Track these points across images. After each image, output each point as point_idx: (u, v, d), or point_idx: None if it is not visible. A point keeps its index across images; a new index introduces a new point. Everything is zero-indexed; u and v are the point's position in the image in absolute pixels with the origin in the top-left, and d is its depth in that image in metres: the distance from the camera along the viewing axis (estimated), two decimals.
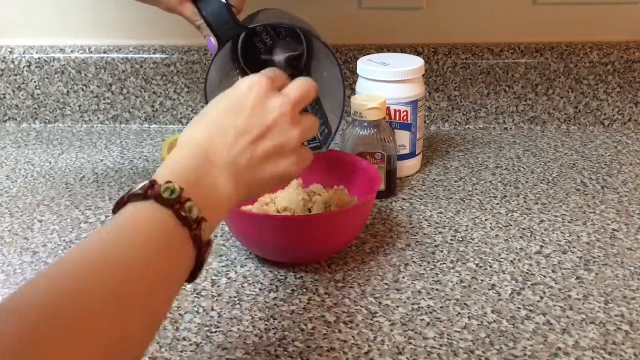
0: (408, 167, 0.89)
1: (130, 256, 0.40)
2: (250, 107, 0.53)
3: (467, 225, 0.76)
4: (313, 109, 0.74)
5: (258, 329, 0.59)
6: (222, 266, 0.69)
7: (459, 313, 0.61)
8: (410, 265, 0.69)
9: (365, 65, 0.86)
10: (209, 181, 0.49)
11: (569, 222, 0.77)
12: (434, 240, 0.73)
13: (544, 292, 0.64)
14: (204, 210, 0.45)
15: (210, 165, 0.50)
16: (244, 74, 0.76)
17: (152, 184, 0.44)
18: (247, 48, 0.76)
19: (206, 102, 0.71)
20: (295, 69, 0.76)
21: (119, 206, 0.44)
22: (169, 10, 0.71)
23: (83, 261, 0.39)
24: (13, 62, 1.07)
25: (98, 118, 1.09)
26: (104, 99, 1.08)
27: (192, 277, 0.46)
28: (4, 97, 1.09)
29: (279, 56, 0.76)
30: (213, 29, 0.67)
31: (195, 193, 0.45)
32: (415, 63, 0.86)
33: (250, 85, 0.53)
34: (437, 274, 0.67)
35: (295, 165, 0.55)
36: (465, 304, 0.62)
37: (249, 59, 0.76)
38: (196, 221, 0.44)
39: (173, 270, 0.44)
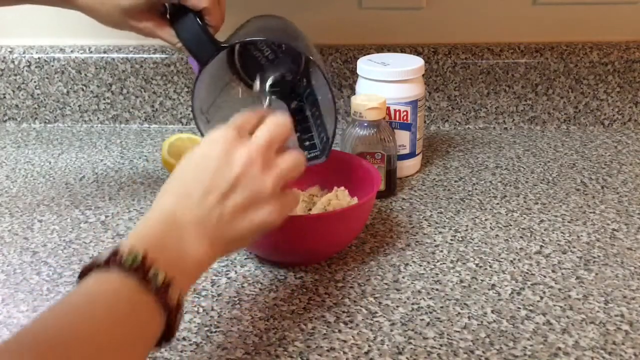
0: (408, 167, 0.89)
1: (92, 331, 0.40)
2: (214, 164, 0.51)
3: (467, 225, 0.76)
4: (313, 116, 0.74)
5: (258, 329, 0.59)
6: (222, 266, 0.69)
7: (459, 313, 0.61)
8: (410, 265, 0.69)
9: (365, 65, 0.86)
10: (177, 243, 0.48)
11: (569, 222, 0.77)
12: (434, 240, 0.73)
13: (544, 292, 0.64)
14: (172, 273, 0.45)
15: (177, 226, 0.48)
16: (245, 83, 0.76)
17: (115, 252, 0.44)
18: (246, 59, 0.76)
19: (195, 122, 0.71)
20: (295, 74, 0.76)
21: (83, 275, 0.44)
22: (148, 35, 0.71)
23: (45, 335, 0.38)
24: (13, 62, 1.07)
25: (98, 118, 1.09)
26: (104, 99, 1.08)
27: (166, 339, 0.45)
28: (4, 97, 1.09)
29: (277, 67, 0.76)
30: (191, 52, 0.67)
31: (161, 257, 0.45)
32: (415, 63, 0.86)
33: (213, 141, 0.52)
34: (437, 274, 0.67)
35: (275, 213, 0.52)
36: (465, 304, 0.62)
37: (249, 67, 0.76)
38: (163, 286, 0.43)
39: (140, 338, 0.43)
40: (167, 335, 0.45)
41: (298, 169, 0.54)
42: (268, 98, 0.63)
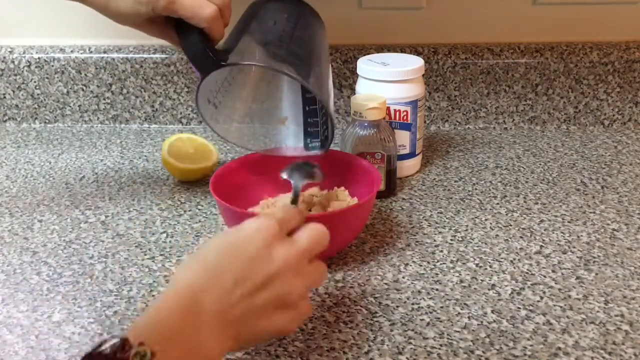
0: (408, 167, 0.89)
1: None
2: (254, 254, 0.49)
3: (467, 225, 0.76)
4: (321, 110, 0.74)
5: None
6: None
7: (459, 313, 0.61)
8: (410, 265, 0.69)
9: (365, 65, 0.86)
10: (192, 335, 0.45)
11: (569, 222, 0.77)
12: (434, 240, 0.73)
13: (544, 292, 0.64)
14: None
15: (197, 315, 0.46)
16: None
17: (123, 345, 0.41)
18: None
19: (202, 116, 0.71)
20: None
21: None
22: (158, 37, 0.71)
23: None
24: (13, 62, 1.07)
25: (98, 118, 1.09)
26: (104, 99, 1.08)
27: None
28: (4, 97, 1.09)
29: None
30: (194, 65, 0.68)
31: (171, 353, 0.43)
32: (415, 63, 0.86)
33: (258, 229, 0.50)
34: (437, 274, 0.67)
35: (293, 323, 0.51)
36: (465, 304, 0.62)
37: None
38: None
39: None
40: None
41: (322, 281, 0.54)
42: (294, 192, 0.63)
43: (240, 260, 0.48)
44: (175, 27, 0.68)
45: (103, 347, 0.41)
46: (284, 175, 0.65)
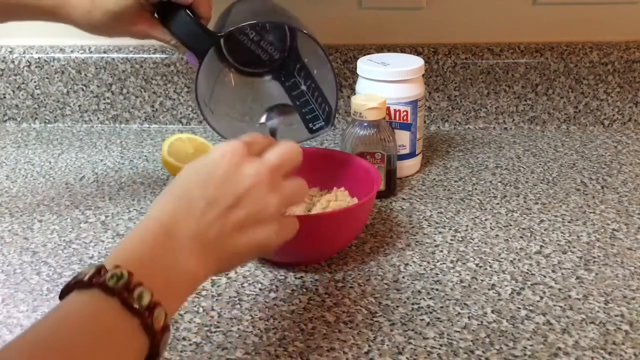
0: (408, 167, 0.89)
1: (70, 356, 0.38)
2: (222, 175, 0.49)
3: (467, 225, 0.76)
4: (309, 89, 0.75)
5: (258, 329, 0.59)
6: None
7: (459, 313, 0.61)
8: (410, 265, 0.69)
9: (365, 65, 0.86)
10: (169, 259, 0.45)
11: (569, 222, 0.77)
12: (434, 240, 0.73)
13: (544, 292, 0.64)
14: (161, 292, 0.42)
15: (172, 239, 0.46)
16: (236, 70, 0.77)
17: (99, 269, 0.41)
18: (232, 45, 0.76)
19: (202, 114, 0.71)
20: (282, 52, 0.76)
21: (64, 293, 0.42)
22: (141, 37, 0.70)
23: None
24: (13, 62, 1.07)
25: (98, 118, 1.09)
26: (104, 99, 1.08)
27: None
28: (4, 97, 1.09)
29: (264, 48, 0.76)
30: (188, 47, 0.67)
31: (149, 275, 0.42)
32: (415, 63, 0.86)
33: (223, 153, 0.50)
34: (437, 274, 0.67)
35: (275, 235, 0.51)
36: (465, 304, 0.62)
37: (238, 53, 0.76)
38: (147, 308, 0.41)
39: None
40: (152, 356, 0.42)
41: (302, 196, 0.54)
42: (269, 129, 0.64)
43: (210, 183, 0.49)
44: (160, 17, 0.67)
45: (79, 276, 0.41)
46: (262, 120, 0.65)
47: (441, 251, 0.71)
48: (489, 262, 0.69)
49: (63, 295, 0.42)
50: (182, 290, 0.46)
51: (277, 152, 0.52)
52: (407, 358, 0.56)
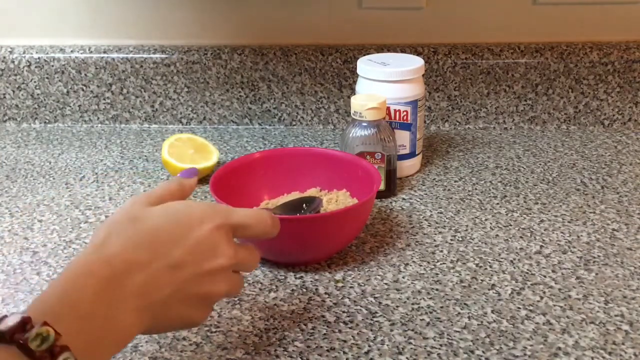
0: (408, 167, 0.89)
1: None
2: (195, 242, 0.46)
3: (467, 225, 0.76)
4: None
5: (258, 329, 0.59)
6: None
7: (459, 313, 0.61)
8: (410, 265, 0.69)
9: (365, 65, 0.86)
10: (108, 312, 0.41)
11: (569, 222, 0.77)
12: (434, 240, 0.73)
13: (544, 292, 0.64)
14: (89, 352, 0.39)
15: (119, 290, 0.42)
16: None
17: (24, 322, 0.37)
18: None
19: None
20: None
21: None
22: None
23: None
24: (13, 62, 1.07)
25: (98, 118, 1.09)
26: (104, 99, 1.08)
27: None
28: (4, 97, 1.09)
29: None
30: None
31: (80, 333, 0.39)
32: (415, 63, 0.86)
33: (202, 219, 0.46)
34: (437, 274, 0.67)
35: (203, 315, 0.48)
36: (465, 304, 0.62)
37: None
38: (50, 352, 0.37)
39: None
40: None
41: (237, 291, 0.50)
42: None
43: (180, 245, 0.45)
44: None
45: (0, 325, 0.37)
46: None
47: (441, 251, 0.71)
48: (489, 262, 0.69)
49: None
50: (113, 347, 0.42)
51: (247, 254, 0.50)
52: (407, 358, 0.56)
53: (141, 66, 1.05)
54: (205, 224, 0.47)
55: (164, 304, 0.44)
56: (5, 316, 0.37)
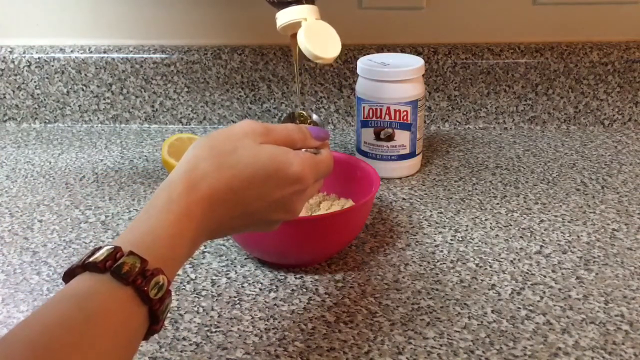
0: (408, 167, 0.89)
1: (82, 340, 0.36)
2: (278, 197, 0.49)
3: (467, 225, 0.76)
4: None
5: (258, 329, 0.59)
6: (222, 266, 0.69)
7: (459, 313, 0.61)
8: (410, 265, 0.69)
9: (365, 65, 0.86)
10: (184, 241, 0.44)
11: (569, 222, 0.77)
12: (434, 240, 0.73)
13: (544, 292, 0.64)
14: (170, 269, 0.42)
15: (196, 225, 0.45)
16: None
17: (116, 252, 0.40)
18: None
19: None
20: None
21: (72, 274, 0.40)
22: None
23: (32, 342, 0.35)
24: (13, 62, 1.07)
25: (98, 118, 1.09)
26: (104, 99, 1.08)
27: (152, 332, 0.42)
28: (4, 97, 1.09)
29: None
30: None
31: (165, 261, 0.42)
32: (415, 63, 0.86)
33: (297, 178, 0.50)
34: (437, 274, 0.67)
35: (272, 228, 0.53)
36: (465, 304, 0.62)
37: None
38: (160, 300, 0.41)
39: (126, 350, 0.39)
40: (153, 328, 0.42)
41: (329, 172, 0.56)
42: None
43: (262, 198, 0.48)
44: None
45: (92, 257, 0.40)
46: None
47: (441, 251, 0.71)
48: (489, 262, 0.69)
49: (70, 276, 0.40)
50: (184, 260, 0.46)
51: (319, 183, 0.54)
52: (407, 358, 0.56)
53: (141, 66, 1.05)
54: (296, 184, 0.50)
55: (225, 234, 0.50)
56: (99, 247, 0.41)
